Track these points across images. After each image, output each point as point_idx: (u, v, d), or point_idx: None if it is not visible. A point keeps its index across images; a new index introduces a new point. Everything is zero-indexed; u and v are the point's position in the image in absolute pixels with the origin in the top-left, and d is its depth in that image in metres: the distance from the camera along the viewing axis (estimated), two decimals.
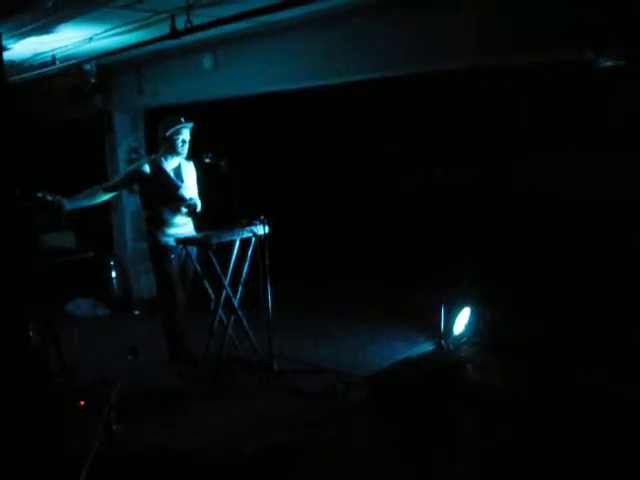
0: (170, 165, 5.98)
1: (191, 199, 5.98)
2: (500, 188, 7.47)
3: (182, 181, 6.02)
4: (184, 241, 5.83)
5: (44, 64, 7.00)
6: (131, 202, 8.33)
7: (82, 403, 5.11)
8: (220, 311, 6.03)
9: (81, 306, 8.33)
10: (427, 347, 6.23)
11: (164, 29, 5.18)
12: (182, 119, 5.87)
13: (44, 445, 3.24)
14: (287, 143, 8.92)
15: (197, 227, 6.17)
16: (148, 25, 5.53)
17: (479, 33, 5.09)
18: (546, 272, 6.67)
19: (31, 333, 3.23)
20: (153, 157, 6.09)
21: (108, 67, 8.06)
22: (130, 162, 8.09)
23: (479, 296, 6.38)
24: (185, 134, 5.90)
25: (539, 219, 7.01)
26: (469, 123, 7.67)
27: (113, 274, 8.55)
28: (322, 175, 9.05)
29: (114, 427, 3.50)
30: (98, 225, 8.53)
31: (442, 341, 6.09)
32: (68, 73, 7.47)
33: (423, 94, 7.65)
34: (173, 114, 5.96)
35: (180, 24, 4.97)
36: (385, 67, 5.87)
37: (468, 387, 5.39)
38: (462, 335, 6.22)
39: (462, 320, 6.28)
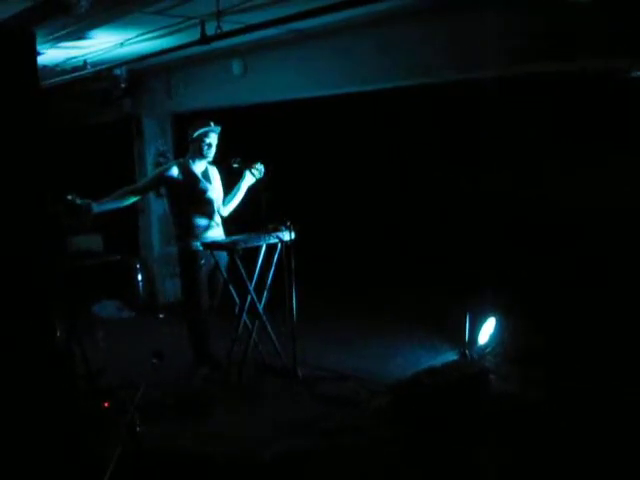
0: (197, 168, 6.01)
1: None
2: (527, 198, 7.43)
3: (210, 183, 6.04)
4: (210, 245, 5.83)
5: (76, 69, 7.09)
6: (158, 205, 8.38)
7: (106, 404, 5.16)
8: (245, 316, 6.04)
9: (107, 308, 8.40)
10: (451, 356, 6.19)
11: (194, 35, 5.22)
12: (211, 123, 5.91)
13: (69, 445, 3.27)
14: (314, 149, 8.94)
15: (226, 232, 6.19)
16: (179, 31, 5.59)
17: (509, 41, 5.07)
18: (574, 284, 6.61)
19: (58, 334, 3.26)
20: (181, 160, 6.12)
21: (138, 72, 8.12)
22: (158, 166, 8.16)
23: (505, 306, 6.34)
24: (212, 138, 5.93)
25: (568, 229, 6.96)
26: (498, 132, 7.63)
27: (139, 277, 8.61)
28: (348, 181, 9.05)
29: (138, 429, 3.52)
30: (126, 228, 8.59)
31: (466, 351, 6.05)
32: (99, 77, 7.54)
33: (452, 102, 7.63)
34: (202, 117, 6.00)
35: (210, 30, 5.01)
36: (415, 75, 5.89)
37: (491, 397, 5.36)
38: (486, 345, 6.18)
39: (487, 330, 6.23)
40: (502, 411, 5.06)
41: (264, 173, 5.98)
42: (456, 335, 6.31)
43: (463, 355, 6.06)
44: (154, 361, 3.66)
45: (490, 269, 6.72)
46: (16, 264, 3.05)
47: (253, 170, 5.92)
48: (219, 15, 4.74)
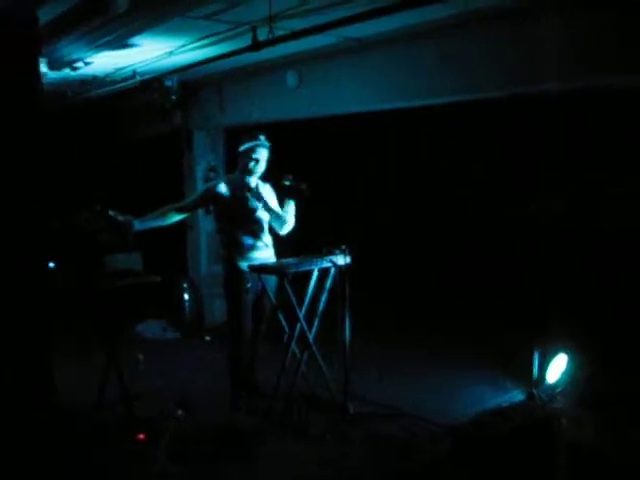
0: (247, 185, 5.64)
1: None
2: (600, 224, 6.87)
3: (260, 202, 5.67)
4: (258, 269, 5.45)
5: (125, 79, 6.87)
6: (208, 223, 8.07)
7: (141, 437, 4.83)
8: (294, 345, 5.63)
9: (151, 328, 8.17)
10: (517, 395, 5.70)
11: (246, 43, 4.90)
12: (261, 137, 5.54)
13: None
14: (372, 166, 8.53)
15: (277, 253, 5.80)
16: (230, 38, 5.29)
17: (576, 52, 4.65)
18: None
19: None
20: (230, 176, 5.80)
21: (190, 84, 7.90)
22: (207, 181, 7.85)
23: (577, 342, 5.80)
24: (260, 153, 5.55)
25: None
26: (563, 151, 7.09)
27: (186, 297, 8.30)
28: (409, 201, 8.59)
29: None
30: (173, 245, 8.32)
31: (534, 390, 5.54)
32: (149, 89, 7.32)
33: (511, 117, 7.14)
34: (253, 131, 5.65)
35: (262, 37, 4.67)
36: (478, 88, 5.48)
37: (562, 445, 4.82)
38: (556, 385, 5.65)
39: (557, 368, 5.70)
40: (576, 462, 4.54)
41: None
42: (523, 372, 5.81)
43: (531, 395, 5.54)
44: (179, 413, 3.25)
45: (563, 300, 6.18)
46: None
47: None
48: (271, 20, 4.40)
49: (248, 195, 5.60)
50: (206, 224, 8.21)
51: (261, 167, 5.60)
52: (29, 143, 2.58)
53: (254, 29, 4.62)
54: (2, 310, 2.75)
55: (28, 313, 2.80)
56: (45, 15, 4.41)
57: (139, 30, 4.50)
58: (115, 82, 7.02)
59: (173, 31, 5.11)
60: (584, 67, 4.74)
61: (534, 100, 6.17)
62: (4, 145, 2.54)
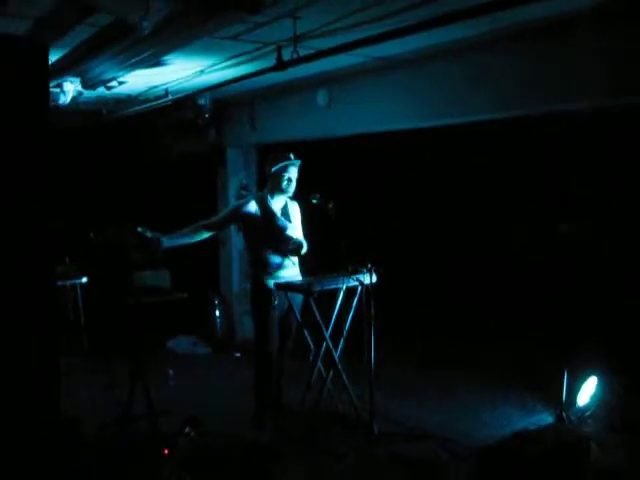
0: (276, 204, 5.66)
1: (297, 239, 5.63)
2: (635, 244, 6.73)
3: (289, 221, 5.69)
4: (284, 286, 5.46)
5: (158, 97, 6.96)
6: (239, 240, 8.09)
7: (166, 451, 4.84)
8: (319, 363, 5.62)
9: (182, 344, 8.22)
10: (545, 418, 5.61)
11: (273, 62, 4.93)
12: (291, 156, 5.55)
13: None
14: (400, 185, 8.47)
15: (303, 271, 5.80)
16: (257, 58, 5.35)
17: (611, 70, 4.57)
18: None
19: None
20: (259, 194, 5.80)
21: (222, 102, 7.99)
22: (239, 199, 7.90)
23: (609, 364, 5.69)
24: (292, 172, 5.56)
25: None
26: (597, 170, 6.98)
27: (217, 313, 8.34)
28: (438, 221, 8.51)
29: None
30: (204, 262, 8.36)
31: (563, 413, 5.43)
32: (183, 107, 7.41)
33: (545, 136, 7.05)
34: (281, 150, 5.66)
35: (288, 56, 4.70)
36: (510, 107, 5.41)
37: (591, 469, 4.72)
38: (587, 408, 5.54)
39: (587, 390, 5.60)
40: None
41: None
42: (551, 394, 5.72)
43: (559, 418, 5.44)
44: (187, 430, 3.26)
45: (593, 320, 6.07)
46: None
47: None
48: (296, 40, 4.43)
49: (277, 214, 5.63)
50: (237, 241, 8.26)
51: (293, 186, 5.61)
52: (36, 159, 2.64)
53: (279, 49, 4.66)
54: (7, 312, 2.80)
55: (33, 315, 2.84)
56: (77, 37, 4.53)
57: (168, 50, 4.55)
58: (149, 100, 7.12)
59: (202, 51, 5.18)
60: (619, 85, 4.65)
61: (568, 118, 6.11)
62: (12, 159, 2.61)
